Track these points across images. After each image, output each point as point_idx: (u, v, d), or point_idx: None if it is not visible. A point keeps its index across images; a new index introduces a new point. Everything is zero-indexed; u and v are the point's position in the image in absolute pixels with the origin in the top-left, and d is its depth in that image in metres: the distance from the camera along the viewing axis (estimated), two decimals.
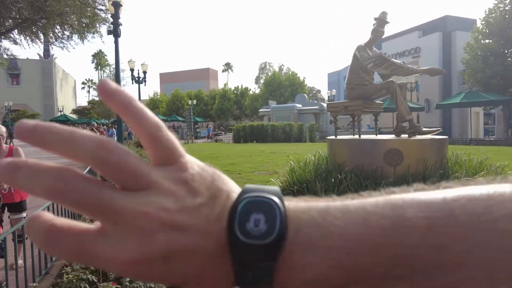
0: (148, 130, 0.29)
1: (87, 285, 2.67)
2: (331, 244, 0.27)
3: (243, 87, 46.06)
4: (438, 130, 5.98)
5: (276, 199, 0.29)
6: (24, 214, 4.07)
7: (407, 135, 5.72)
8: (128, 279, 2.56)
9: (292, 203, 0.30)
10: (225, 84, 44.34)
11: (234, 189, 0.32)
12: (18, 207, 4.06)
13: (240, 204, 0.29)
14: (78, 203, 0.25)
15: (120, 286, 2.61)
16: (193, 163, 0.31)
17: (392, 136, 5.90)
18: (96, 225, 0.27)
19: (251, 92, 44.71)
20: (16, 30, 11.64)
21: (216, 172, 0.32)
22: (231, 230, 0.28)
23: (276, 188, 0.31)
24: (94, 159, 0.26)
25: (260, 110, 31.76)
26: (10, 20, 11.40)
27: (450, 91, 25.20)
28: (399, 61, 6.03)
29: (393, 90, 5.73)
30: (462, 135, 21.14)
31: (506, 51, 20.22)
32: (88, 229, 0.27)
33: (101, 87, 0.28)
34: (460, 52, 23.59)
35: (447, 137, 5.93)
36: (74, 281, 2.71)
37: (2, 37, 11.45)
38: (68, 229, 0.26)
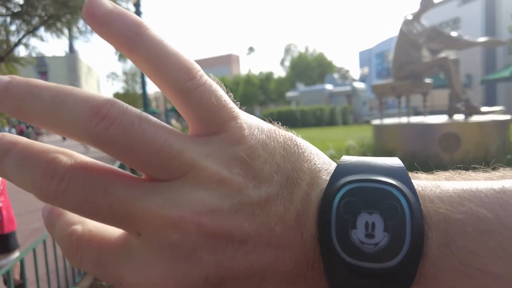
0: (172, 79, 0.19)
1: None
2: None
3: (268, 71, 45.60)
4: (500, 109, 5.41)
5: (400, 185, 0.19)
6: (15, 255, 2.43)
7: (462, 116, 5.23)
8: None
9: (426, 188, 0.19)
10: (249, 70, 43.99)
11: (322, 165, 0.21)
12: (3, 244, 2.44)
13: (337, 195, 0.19)
14: (78, 209, 0.18)
15: None
16: (253, 126, 0.21)
17: (446, 119, 5.39)
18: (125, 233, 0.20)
19: (276, 76, 44.15)
20: (42, 28, 11.91)
21: (292, 139, 0.21)
22: (325, 241, 0.18)
23: (397, 163, 0.20)
24: (89, 136, 0.17)
25: (287, 94, 31.28)
26: (36, 18, 11.70)
27: (494, 64, 23.80)
28: (455, 34, 5.46)
29: (447, 67, 5.25)
30: (509, 112, 19.51)
31: None
32: (113, 240, 0.20)
33: (87, 11, 0.18)
34: (506, 20, 21.96)
35: (510, 117, 5.29)
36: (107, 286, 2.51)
37: (31, 35, 11.77)
38: (90, 239, 0.19)
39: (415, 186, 0.19)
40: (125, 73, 38.61)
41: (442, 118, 5.67)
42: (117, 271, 0.19)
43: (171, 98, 0.20)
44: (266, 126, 0.21)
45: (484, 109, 5.42)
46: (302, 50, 45.98)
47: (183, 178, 0.18)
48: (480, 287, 0.17)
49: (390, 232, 0.18)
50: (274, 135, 0.21)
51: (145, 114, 0.18)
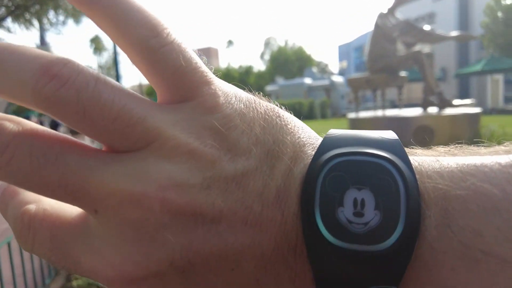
0: (134, 36, 0.17)
1: None
2: None
3: (247, 65, 45.47)
4: (471, 102, 5.56)
5: (394, 158, 0.17)
6: None
7: (436, 109, 5.30)
8: None
9: (424, 163, 0.17)
10: (229, 64, 43.74)
11: (308, 139, 0.19)
12: None
13: (322, 169, 0.17)
14: (25, 182, 0.16)
15: None
16: (230, 94, 0.18)
17: (420, 112, 5.47)
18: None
19: (256, 70, 44.10)
20: (9, 19, 11.41)
21: (274, 110, 0.19)
22: (307, 220, 0.16)
23: (390, 135, 0.18)
24: (37, 99, 0.15)
25: (267, 88, 31.30)
26: (3, 8, 11.19)
27: (467, 58, 24.46)
28: (427, 27, 5.57)
29: (421, 60, 5.33)
30: (481, 105, 20.24)
31: None
32: (69, 220, 0.17)
33: None
34: (478, 16, 22.63)
35: (480, 110, 5.46)
36: (85, 286, 2.47)
37: None
38: (43, 218, 0.17)
39: (411, 161, 0.17)
40: (100, 66, 37.68)
41: (416, 111, 5.76)
42: (73, 254, 0.17)
43: (134, 60, 0.17)
44: (245, 95, 0.19)
45: (456, 102, 5.56)
46: (282, 44, 46.01)
47: (147, 149, 0.16)
48: (484, 271, 0.15)
49: (382, 210, 0.16)
50: (254, 104, 0.19)
51: (103, 75, 0.16)
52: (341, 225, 0.16)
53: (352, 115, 6.11)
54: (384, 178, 0.16)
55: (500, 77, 20.42)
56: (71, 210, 0.18)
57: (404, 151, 0.17)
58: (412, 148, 0.19)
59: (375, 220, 0.15)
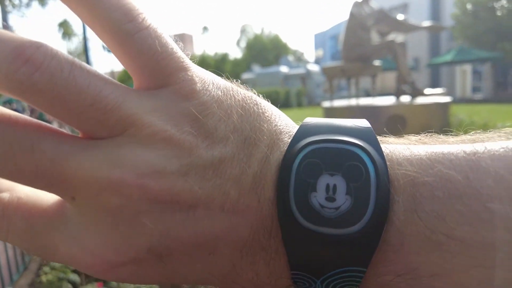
0: (109, 21, 0.17)
1: (69, 285, 2.34)
2: (497, 237, 0.15)
3: (223, 52, 44.94)
4: (441, 91, 5.69)
5: (366, 145, 0.17)
6: None
7: (408, 98, 5.38)
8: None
9: (395, 151, 0.18)
10: (204, 51, 43.04)
11: (284, 127, 0.19)
12: None
13: (297, 156, 0.17)
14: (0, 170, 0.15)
15: None
16: (207, 81, 0.18)
17: (393, 101, 5.55)
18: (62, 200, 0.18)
19: (232, 58, 43.66)
20: None
21: (251, 98, 0.19)
22: (282, 205, 0.17)
23: (364, 124, 0.19)
24: (10, 84, 0.15)
25: (243, 76, 31.09)
26: None
27: (438, 49, 25.03)
28: (401, 17, 5.62)
29: (394, 50, 5.36)
30: (450, 94, 20.85)
31: (495, 5, 19.83)
32: (45, 208, 0.17)
33: None
34: (449, 7, 23.15)
35: (450, 99, 5.58)
36: (55, 281, 2.34)
37: None
38: (18, 206, 0.17)
39: (383, 148, 0.18)
40: (70, 52, 36.20)
41: (389, 100, 5.84)
42: (49, 242, 0.17)
43: (110, 46, 0.17)
44: (222, 82, 0.19)
45: (427, 91, 5.67)
46: (258, 32, 45.64)
47: (123, 135, 0.16)
48: (446, 253, 0.16)
49: (352, 195, 0.16)
50: (231, 92, 0.19)
51: (78, 60, 0.16)
52: (314, 210, 0.16)
53: (326, 104, 6.12)
54: (355, 164, 0.17)
55: (468, 68, 21.08)
56: (47, 198, 0.18)
57: (376, 139, 0.18)
58: (385, 136, 0.20)
59: (346, 205, 0.16)
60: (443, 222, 0.16)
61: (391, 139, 0.20)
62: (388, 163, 0.17)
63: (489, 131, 0.20)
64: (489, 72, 20.16)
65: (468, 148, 0.17)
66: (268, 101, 0.21)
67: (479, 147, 0.17)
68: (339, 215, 0.16)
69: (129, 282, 0.18)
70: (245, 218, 0.17)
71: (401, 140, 0.20)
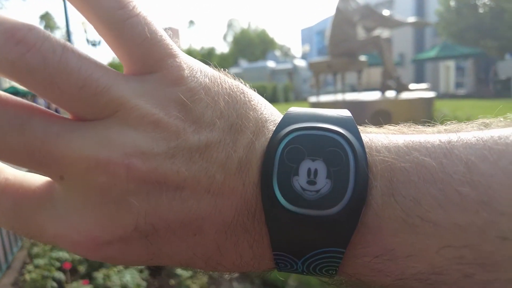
0: (100, 8, 0.17)
1: (54, 283, 2.28)
2: (466, 219, 0.16)
3: (210, 46, 44.60)
4: (426, 87, 5.77)
5: (346, 133, 0.18)
6: None
7: (394, 93, 5.43)
8: (102, 276, 2.14)
9: (374, 138, 0.19)
10: (190, 45, 42.57)
11: (269, 116, 0.20)
12: None
13: (281, 142, 0.18)
14: None
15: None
16: (195, 68, 0.19)
17: (379, 96, 5.60)
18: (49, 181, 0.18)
19: (218, 52, 43.36)
20: None
21: (238, 86, 0.20)
22: (265, 188, 0.18)
23: (345, 113, 0.20)
24: (2, 64, 0.15)
25: (230, 70, 30.94)
26: None
27: (423, 45, 25.39)
28: (387, 12, 5.66)
29: (380, 45, 5.40)
30: (434, 89, 21.25)
31: (477, 3, 20.17)
32: (33, 188, 0.18)
33: None
34: (433, 4, 23.44)
35: (434, 95, 5.67)
36: (39, 279, 2.29)
37: None
38: (5, 187, 0.17)
39: (363, 137, 0.18)
40: None
41: (375, 95, 5.89)
42: (37, 221, 0.17)
43: (101, 32, 0.18)
44: (210, 70, 0.20)
45: (412, 86, 5.74)
46: (245, 26, 45.39)
47: (112, 117, 0.16)
48: (420, 234, 0.17)
49: (332, 179, 0.17)
50: (219, 80, 0.19)
51: (70, 44, 0.16)
52: (296, 192, 0.17)
53: (313, 99, 6.14)
54: (336, 150, 0.17)
55: (451, 64, 21.44)
56: (34, 179, 0.18)
57: (356, 127, 0.19)
58: (366, 126, 0.21)
59: (326, 188, 0.17)
60: (418, 206, 0.16)
61: (371, 128, 0.21)
62: (367, 149, 0.18)
63: (464, 122, 0.20)
64: (472, 68, 20.56)
65: (443, 137, 0.18)
66: (247, 85, 0.21)
67: (453, 136, 0.18)
68: (320, 198, 0.17)
69: (115, 261, 0.18)
70: (230, 200, 0.17)
71: (380, 129, 0.21)
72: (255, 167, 0.18)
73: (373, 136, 0.19)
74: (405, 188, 0.17)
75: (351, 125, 0.18)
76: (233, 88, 0.19)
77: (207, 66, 0.20)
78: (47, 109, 0.17)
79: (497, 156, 0.16)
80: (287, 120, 0.19)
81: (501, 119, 0.20)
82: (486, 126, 0.19)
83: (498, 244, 0.16)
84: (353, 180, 0.17)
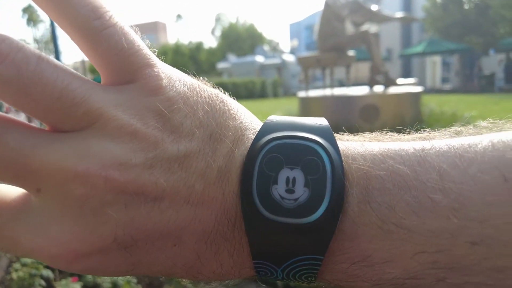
0: (76, 18, 0.17)
1: (41, 281, 2.22)
2: (438, 225, 0.16)
3: (198, 41, 44.14)
4: (413, 81, 5.83)
5: (323, 141, 0.18)
6: None
7: (382, 88, 5.47)
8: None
9: (350, 147, 0.19)
10: (178, 39, 42.08)
11: (248, 124, 0.20)
12: None
13: (261, 151, 0.18)
14: None
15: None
16: (173, 78, 0.19)
17: (367, 91, 5.63)
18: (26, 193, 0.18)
19: (207, 46, 42.96)
20: None
21: (218, 95, 0.20)
22: (245, 197, 0.18)
23: (322, 122, 0.20)
24: None
25: (219, 65, 30.72)
26: None
27: (410, 40, 25.61)
28: (375, 7, 5.69)
29: (368, 40, 5.43)
30: (421, 84, 21.42)
31: None
32: (8, 201, 0.17)
33: None
34: (421, 0, 23.52)
35: (422, 89, 5.73)
36: (27, 278, 2.23)
37: None
38: None
39: (339, 145, 0.19)
40: (36, 40, 34.49)
41: (363, 90, 5.92)
42: (13, 234, 0.17)
43: (77, 42, 0.17)
44: (189, 79, 0.20)
45: (399, 81, 5.79)
46: (233, 21, 45.09)
47: (90, 128, 0.16)
48: (395, 241, 0.17)
49: (310, 188, 0.17)
50: (198, 89, 0.19)
51: (45, 54, 0.16)
52: (275, 201, 0.17)
53: (302, 94, 6.15)
54: (313, 159, 0.18)
55: (438, 59, 21.72)
56: (11, 192, 0.18)
57: (333, 136, 0.19)
58: (342, 134, 0.21)
59: (304, 196, 0.17)
60: (393, 213, 0.17)
61: (348, 136, 0.21)
62: (343, 158, 0.18)
63: (437, 129, 0.21)
64: (457, 63, 20.87)
65: (417, 145, 0.18)
66: (226, 93, 0.21)
67: (427, 144, 0.18)
68: (298, 206, 0.17)
69: (94, 273, 0.18)
70: (209, 210, 0.17)
71: (356, 137, 0.21)
72: (234, 176, 0.18)
73: (349, 144, 0.20)
74: (381, 195, 0.17)
75: (328, 134, 0.19)
76: (212, 97, 0.19)
77: (186, 75, 0.20)
78: (23, 121, 0.16)
79: (467, 163, 0.17)
80: (266, 128, 0.19)
81: (471, 127, 0.20)
82: (458, 133, 0.20)
83: (468, 249, 0.16)
84: (330, 188, 0.17)
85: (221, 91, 0.21)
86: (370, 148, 0.19)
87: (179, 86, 0.18)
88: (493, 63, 18.27)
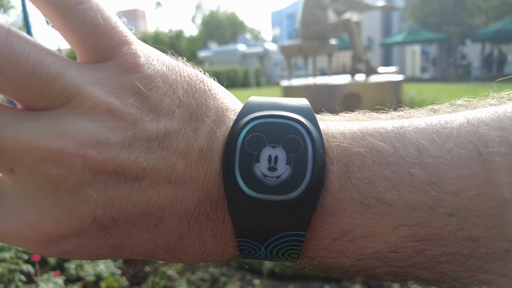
0: None
1: (22, 276, 2.17)
2: (417, 198, 0.17)
3: (178, 29, 43.31)
4: (394, 70, 5.90)
5: (305, 120, 0.19)
6: None
7: (363, 77, 5.53)
8: (74, 266, 2.08)
9: (331, 126, 0.20)
10: (157, 27, 41.17)
11: (230, 105, 0.20)
12: None
13: (242, 130, 0.18)
14: None
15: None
16: (151, 56, 0.19)
17: (349, 80, 5.68)
18: None
19: (187, 35, 42.21)
20: None
21: (197, 75, 0.20)
22: (228, 176, 0.18)
23: (304, 102, 0.20)
24: None
25: (200, 54, 30.29)
26: None
27: (390, 29, 25.78)
28: None
29: (350, 28, 5.44)
30: (401, 73, 21.68)
31: None
32: None
33: None
34: None
35: (402, 78, 5.82)
36: (6, 273, 2.16)
37: None
38: None
39: (320, 124, 0.19)
40: None
41: (345, 79, 5.97)
42: None
43: (51, 19, 0.17)
44: (168, 59, 0.19)
45: (380, 69, 5.85)
46: (214, 8, 44.38)
47: (65, 106, 0.16)
48: (376, 215, 0.17)
49: (292, 165, 0.18)
50: (177, 68, 0.19)
51: (16, 29, 0.15)
52: (257, 179, 0.17)
53: (285, 83, 6.14)
54: (294, 137, 0.18)
55: (417, 48, 22.05)
56: None
57: (314, 115, 0.19)
58: (323, 114, 0.22)
59: (286, 174, 0.17)
60: (373, 188, 0.17)
61: (328, 116, 0.21)
62: (324, 136, 0.19)
63: (416, 108, 0.21)
64: (436, 53, 21.26)
65: (396, 123, 0.19)
66: (215, 79, 0.21)
67: (405, 122, 0.19)
68: (280, 183, 0.17)
69: (72, 257, 0.17)
70: (191, 189, 0.17)
71: (337, 117, 0.21)
72: (216, 155, 0.18)
73: (330, 124, 0.20)
74: (361, 171, 0.17)
75: (309, 113, 0.19)
76: (192, 77, 0.19)
77: (164, 55, 0.20)
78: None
79: (444, 139, 0.17)
80: (247, 108, 0.19)
81: (448, 105, 0.21)
82: (435, 112, 0.20)
83: (445, 220, 0.17)
84: (311, 165, 0.17)
85: (200, 71, 0.20)
86: (350, 127, 0.19)
87: (157, 64, 0.18)
88: (469, 52, 18.66)
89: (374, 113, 0.21)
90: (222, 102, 0.19)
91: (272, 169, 0.17)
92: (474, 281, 0.18)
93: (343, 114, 0.22)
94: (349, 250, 0.18)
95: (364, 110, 0.22)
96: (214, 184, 0.18)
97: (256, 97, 0.20)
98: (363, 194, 0.17)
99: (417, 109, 0.21)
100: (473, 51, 18.70)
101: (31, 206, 0.16)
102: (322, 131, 0.19)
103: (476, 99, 0.21)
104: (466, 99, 0.21)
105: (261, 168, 0.17)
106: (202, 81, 0.19)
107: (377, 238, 0.17)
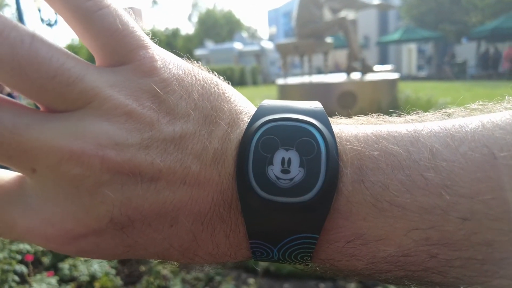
0: (67, 0, 0.17)
1: (15, 276, 2.15)
2: (431, 202, 0.17)
3: (174, 27, 43.10)
4: (390, 68, 5.91)
5: (318, 123, 0.19)
6: None
7: (359, 75, 5.54)
8: (67, 266, 2.07)
9: (344, 129, 0.20)
10: (153, 26, 40.94)
11: (243, 108, 0.21)
12: None
13: (256, 133, 0.19)
14: None
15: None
16: (168, 60, 0.19)
17: (345, 78, 5.68)
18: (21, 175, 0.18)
19: (183, 33, 42.05)
20: None
21: (212, 79, 0.20)
22: (241, 178, 0.18)
23: (317, 105, 0.21)
24: None
25: (196, 52, 30.19)
26: None
27: (387, 28, 25.86)
28: None
29: (346, 26, 5.44)
30: (397, 71, 21.67)
31: None
32: (2, 184, 0.17)
33: None
34: None
35: (398, 76, 5.83)
36: None
37: None
38: None
39: (333, 127, 0.19)
40: None
41: (340, 77, 5.96)
42: (8, 217, 0.17)
43: (71, 23, 0.17)
44: (183, 63, 0.20)
45: (376, 67, 5.86)
46: (210, 7, 44.20)
47: (85, 108, 0.16)
48: (389, 218, 0.17)
49: (305, 168, 0.18)
50: (192, 72, 0.19)
51: (40, 34, 0.16)
52: (270, 181, 0.18)
53: (281, 81, 6.14)
54: (308, 140, 0.18)
55: (413, 46, 22.10)
56: (5, 175, 0.18)
57: (327, 118, 0.19)
58: (337, 117, 0.22)
59: (299, 176, 0.18)
60: (386, 191, 0.17)
61: (342, 119, 0.22)
62: (337, 139, 0.19)
63: (429, 112, 0.22)
64: (432, 51, 21.31)
65: (410, 126, 0.19)
66: (220, 77, 0.21)
67: (419, 125, 0.19)
68: (293, 185, 0.17)
69: (89, 256, 0.18)
70: (206, 191, 0.18)
71: (350, 120, 0.22)
72: (230, 158, 0.18)
73: (343, 127, 0.20)
74: (374, 174, 0.18)
75: (322, 116, 0.19)
76: (207, 81, 0.19)
77: (180, 59, 0.20)
78: (16, 101, 0.16)
79: (458, 143, 0.17)
80: (261, 111, 0.19)
81: (462, 109, 0.21)
82: (449, 115, 0.20)
83: (459, 224, 0.17)
84: (325, 168, 0.17)
85: (215, 75, 0.21)
86: (364, 130, 0.19)
87: (174, 68, 0.19)
88: (465, 51, 18.73)
89: (387, 117, 0.21)
90: (236, 105, 0.20)
91: (285, 171, 0.18)
92: (489, 286, 0.17)
93: (356, 117, 0.22)
94: (361, 253, 0.18)
95: (377, 114, 0.22)
96: (228, 185, 0.18)
97: (270, 101, 0.21)
98: (376, 197, 0.17)
99: (431, 113, 0.21)
100: (469, 50, 18.77)
101: (53, 205, 0.16)
102: (335, 134, 0.19)
103: (491, 103, 0.20)
104: (481, 102, 0.20)
105: (274, 170, 0.18)
106: (217, 85, 0.20)
107: (390, 242, 0.17)
